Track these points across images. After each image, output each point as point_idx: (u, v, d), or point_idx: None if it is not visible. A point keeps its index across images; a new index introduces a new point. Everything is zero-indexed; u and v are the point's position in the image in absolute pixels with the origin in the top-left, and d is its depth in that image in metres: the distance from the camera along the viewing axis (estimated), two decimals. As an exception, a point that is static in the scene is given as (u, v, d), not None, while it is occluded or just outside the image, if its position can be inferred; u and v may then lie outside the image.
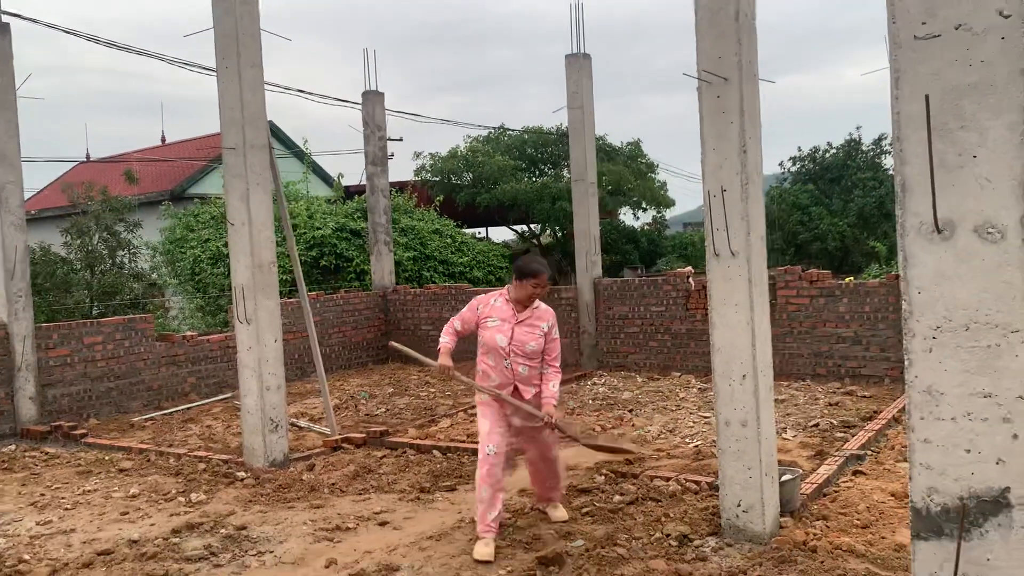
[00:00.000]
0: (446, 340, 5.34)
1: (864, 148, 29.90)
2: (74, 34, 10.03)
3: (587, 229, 11.66)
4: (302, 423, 8.92)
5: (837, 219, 27.47)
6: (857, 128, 39.52)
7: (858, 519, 5.27)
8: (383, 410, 9.57)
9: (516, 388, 5.23)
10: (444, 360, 5.29)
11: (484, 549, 4.89)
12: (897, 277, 9.74)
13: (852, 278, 11.94)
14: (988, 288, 2.14)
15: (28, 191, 11.44)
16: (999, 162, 2.07)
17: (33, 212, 21.00)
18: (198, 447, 8.04)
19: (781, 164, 31.62)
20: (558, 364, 5.37)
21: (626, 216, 28.13)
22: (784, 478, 5.37)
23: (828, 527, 5.15)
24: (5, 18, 9.12)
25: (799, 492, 5.50)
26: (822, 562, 4.57)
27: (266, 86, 7.35)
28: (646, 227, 29.65)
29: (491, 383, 5.24)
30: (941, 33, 2.14)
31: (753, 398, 5.01)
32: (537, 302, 5.31)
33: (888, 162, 28.33)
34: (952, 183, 2.13)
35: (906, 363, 2.30)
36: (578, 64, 11.54)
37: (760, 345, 5.06)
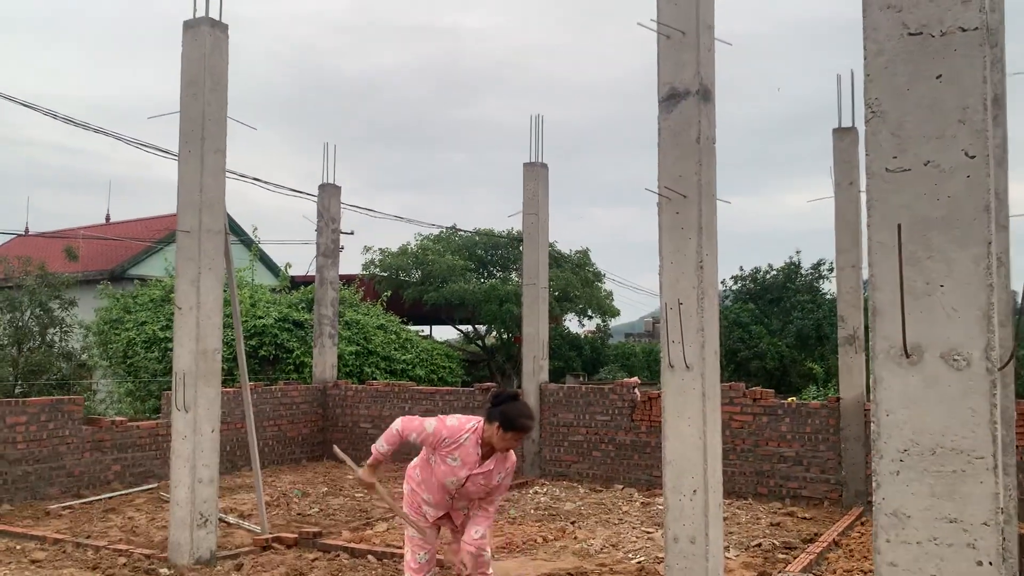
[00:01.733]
0: (384, 449, 4.75)
1: (803, 272, 30.91)
2: (33, 108, 9.95)
3: (536, 333, 11.69)
4: (231, 519, 8.53)
5: (776, 339, 28.08)
6: (797, 252, 40.87)
7: (804, 645, 5.17)
8: (316, 510, 9.23)
9: (448, 515, 4.92)
10: (368, 475, 4.78)
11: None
12: (838, 400, 9.96)
13: (794, 398, 12.13)
14: (954, 414, 2.19)
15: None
16: (965, 293, 2.15)
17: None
18: (119, 539, 7.60)
19: (723, 282, 32.41)
20: (494, 508, 4.89)
21: (571, 323, 28.39)
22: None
23: (774, 653, 5.04)
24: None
25: (745, 614, 5.40)
26: None
27: (231, 175, 7.34)
28: (589, 335, 29.90)
29: (423, 495, 4.86)
30: (911, 168, 2.25)
31: (703, 515, 4.96)
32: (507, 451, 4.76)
33: (826, 287, 29.32)
34: (921, 310, 2.20)
35: (874, 484, 2.30)
36: (535, 173, 11.82)
37: (711, 460, 5.05)
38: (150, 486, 10.29)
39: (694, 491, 4.98)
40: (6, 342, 15.93)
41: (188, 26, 7.09)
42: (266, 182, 14.88)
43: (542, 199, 11.87)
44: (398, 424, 4.79)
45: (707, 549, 4.94)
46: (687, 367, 5.06)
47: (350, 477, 11.31)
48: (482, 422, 4.70)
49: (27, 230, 26.08)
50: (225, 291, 7.28)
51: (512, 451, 4.81)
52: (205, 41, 7.01)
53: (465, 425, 4.71)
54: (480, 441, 4.67)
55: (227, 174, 7.29)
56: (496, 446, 4.66)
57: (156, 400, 14.63)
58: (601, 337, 30.36)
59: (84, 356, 17.59)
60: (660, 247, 5.23)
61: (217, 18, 7.09)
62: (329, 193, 13.51)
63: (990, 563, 2.15)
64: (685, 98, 5.14)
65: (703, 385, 5.04)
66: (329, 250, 13.58)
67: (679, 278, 5.14)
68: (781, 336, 28.17)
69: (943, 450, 2.20)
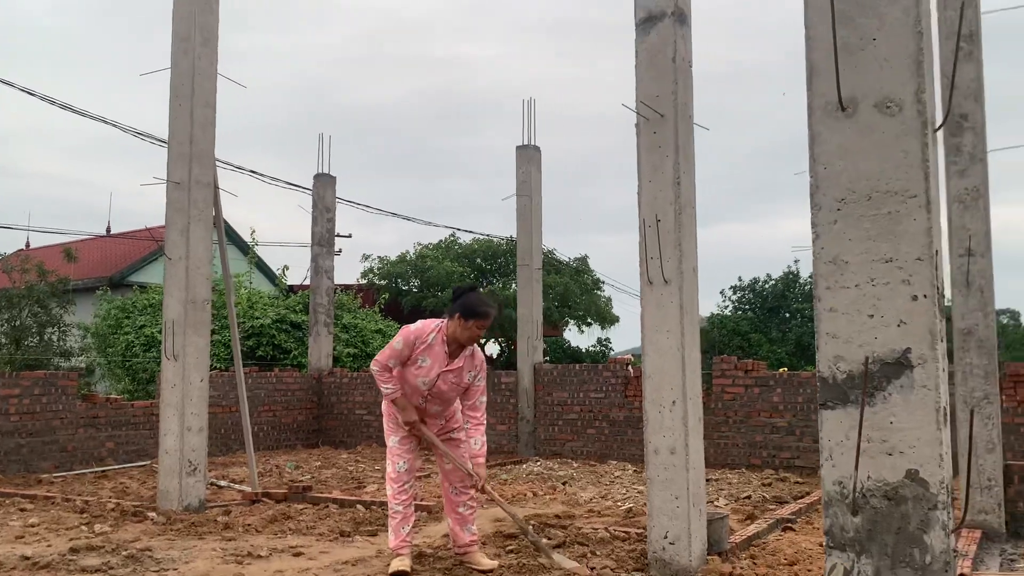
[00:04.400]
0: (391, 390, 4.78)
1: (802, 281, 30.99)
2: (8, 84, 10.08)
3: (530, 314, 11.73)
4: (223, 483, 8.54)
5: (776, 346, 28.10)
6: (796, 261, 41.07)
7: (785, 559, 5.17)
8: (308, 477, 9.23)
9: (423, 420, 4.93)
10: (412, 415, 4.80)
11: (399, 563, 4.67)
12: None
13: (785, 369, 12.12)
14: (888, 158, 2.25)
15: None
16: (896, 43, 2.22)
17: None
18: (109, 498, 7.62)
19: (722, 292, 32.49)
20: (480, 413, 4.94)
21: (571, 334, 28.42)
22: (713, 517, 5.27)
23: (755, 563, 5.04)
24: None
25: (727, 534, 5.40)
26: (748, 587, 4.45)
27: (220, 164, 7.47)
28: (591, 349, 29.90)
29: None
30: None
31: (683, 425, 4.98)
32: (473, 348, 4.91)
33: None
34: (855, 64, 2.27)
35: (812, 237, 2.36)
36: (528, 155, 11.93)
37: (690, 373, 5.08)
38: (143, 463, 10.30)
39: (673, 402, 5.01)
40: (4, 340, 16.00)
41: (180, -17, 7.24)
42: (262, 174, 15.00)
43: (535, 181, 11.97)
44: (375, 367, 4.83)
45: (687, 459, 4.95)
46: (665, 282, 5.11)
47: (344, 456, 11.32)
48: (446, 321, 4.84)
49: (28, 244, 26.28)
50: (221, 290, 7.36)
51: (479, 349, 4.96)
52: (196, -2, 7.16)
53: (429, 325, 4.87)
54: (446, 339, 4.80)
55: (224, 165, 7.41)
56: (461, 339, 4.78)
57: (153, 397, 14.66)
58: (603, 351, 30.35)
59: (82, 358, 17.65)
60: (638, 167, 5.30)
61: (208, -24, 7.24)
62: (324, 183, 13.63)
63: (925, 296, 2.20)
64: (661, 20, 5.24)
65: (681, 299, 5.08)
66: (324, 239, 13.67)
67: (657, 196, 5.20)
68: (781, 344, 28.20)
69: (878, 194, 2.26)
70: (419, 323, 4.93)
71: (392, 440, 4.97)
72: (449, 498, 5.02)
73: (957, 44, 4.55)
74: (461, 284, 5.24)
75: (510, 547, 5.46)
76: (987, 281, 6.29)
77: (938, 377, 2.22)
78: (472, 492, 4.99)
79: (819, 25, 2.30)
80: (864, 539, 2.28)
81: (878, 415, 2.26)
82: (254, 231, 26.84)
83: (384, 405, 5.06)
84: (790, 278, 31.19)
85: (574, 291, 24.27)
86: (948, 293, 6.17)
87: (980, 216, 6.24)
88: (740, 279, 32.30)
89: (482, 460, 4.91)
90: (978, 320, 6.27)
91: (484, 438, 4.96)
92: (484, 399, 5.03)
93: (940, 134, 6.50)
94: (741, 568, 4.85)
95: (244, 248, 22.02)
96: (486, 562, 4.97)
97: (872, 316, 2.27)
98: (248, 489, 7.99)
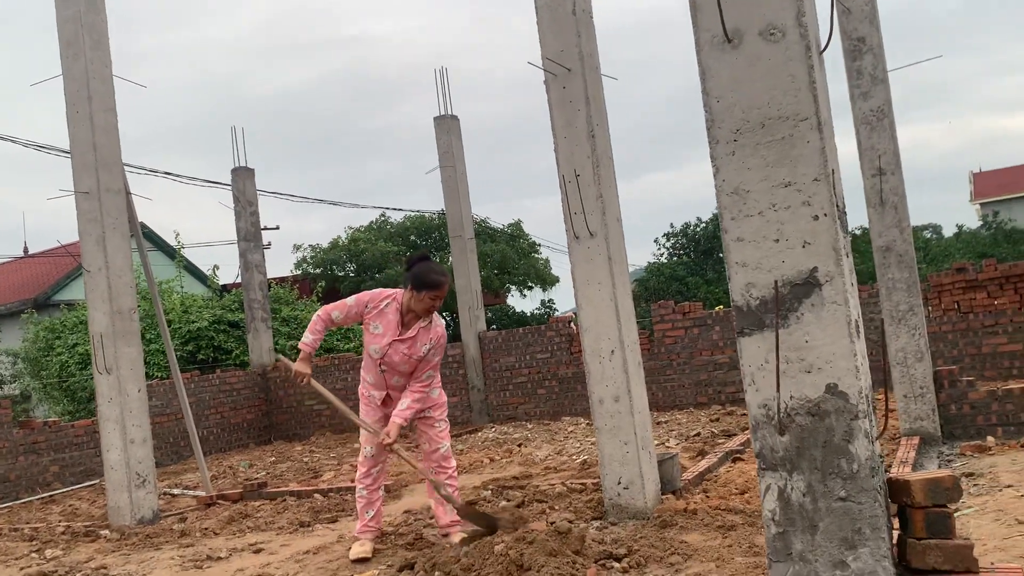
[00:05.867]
0: (310, 340, 4.80)
1: (731, 220, 31.49)
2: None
3: (468, 284, 11.72)
4: (176, 491, 8.41)
5: (713, 287, 28.62)
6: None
7: (737, 488, 5.32)
8: (264, 474, 9.14)
9: (388, 395, 4.90)
10: (302, 366, 4.78)
11: (360, 548, 4.67)
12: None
13: (721, 306, 12.38)
14: (777, 84, 2.30)
15: None
16: (774, -30, 2.26)
17: None
18: (58, 521, 7.43)
19: (656, 240, 32.91)
20: (426, 383, 4.79)
21: (515, 299, 28.51)
22: (663, 457, 5.39)
23: (708, 497, 5.18)
24: None
25: (679, 473, 5.53)
26: (702, 519, 4.58)
27: (135, 170, 7.23)
28: (536, 312, 30.06)
29: (367, 379, 4.94)
30: None
31: (623, 373, 5.06)
32: (432, 317, 4.79)
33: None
34: (736, -4, 2.30)
35: (713, 171, 2.41)
36: (446, 125, 11.85)
37: (625, 321, 5.15)
38: (92, 482, 10.07)
39: (611, 351, 5.08)
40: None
41: (60, -14, 6.95)
42: (177, 175, 14.62)
43: (457, 151, 11.90)
44: (317, 313, 4.84)
45: (631, 405, 5.04)
46: (591, 235, 5.15)
47: (298, 448, 11.23)
48: (401, 290, 4.77)
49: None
50: (149, 298, 7.17)
51: (440, 322, 4.85)
52: (79, 0, 6.88)
53: (384, 292, 4.82)
54: (400, 308, 4.73)
55: (139, 170, 7.18)
56: (416, 310, 4.69)
57: (96, 417, 14.27)
58: (548, 312, 30.53)
59: (15, 384, 17.10)
60: (552, 124, 5.30)
61: (89, -25, 6.96)
62: (243, 176, 13.35)
63: (825, 215, 2.27)
64: (556, -27, 5.22)
65: (608, 250, 5.13)
66: (250, 234, 13.42)
67: (573, 151, 5.22)
68: (718, 284, 28.74)
69: (771, 120, 2.31)
70: (377, 289, 4.90)
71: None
72: (429, 480, 4.92)
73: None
74: (412, 254, 5.11)
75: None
76: (900, 198, 6.48)
77: (846, 292, 2.29)
78: (451, 472, 4.91)
79: (696, -42, 2.33)
80: (794, 457, 2.36)
81: (793, 335, 2.33)
82: (178, 234, 26.19)
83: (360, 388, 5.00)
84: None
85: (511, 257, 24.33)
86: (864, 212, 6.35)
87: (887, 135, 6.42)
88: (672, 226, 32.78)
89: (400, 420, 4.65)
90: (895, 236, 6.47)
91: (416, 404, 4.74)
92: (434, 375, 4.86)
93: (840, 59, 6.62)
94: (695, 503, 4.97)
95: (171, 252, 21.48)
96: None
97: (777, 241, 2.33)
98: (202, 493, 7.88)
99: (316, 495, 7.07)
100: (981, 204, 43.51)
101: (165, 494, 8.17)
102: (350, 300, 4.83)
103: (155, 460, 7.14)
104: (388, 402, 4.91)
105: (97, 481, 9.97)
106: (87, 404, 15.59)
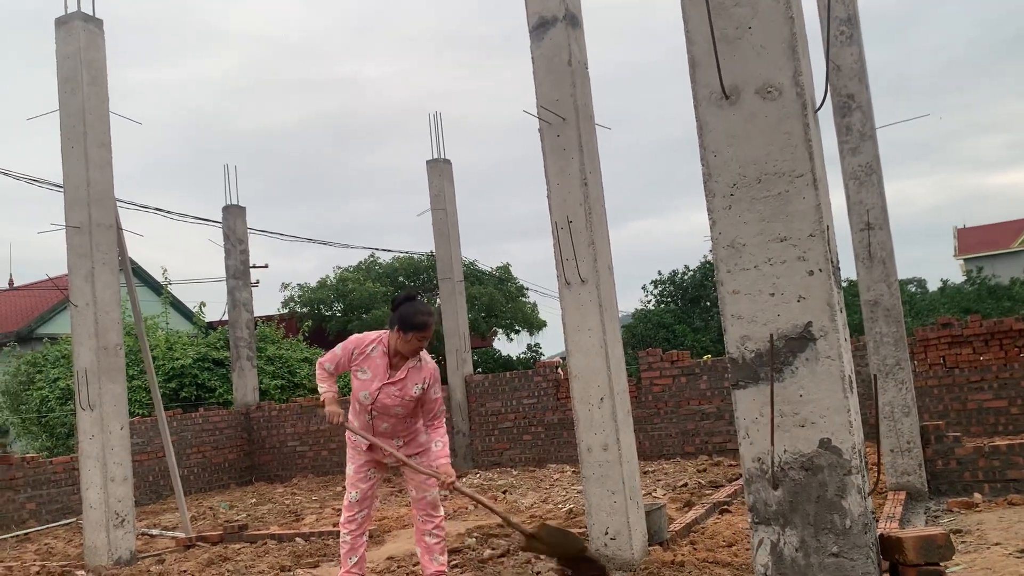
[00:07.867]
0: (324, 388, 4.77)
1: (719, 269, 31.66)
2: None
3: (456, 327, 11.71)
4: (155, 531, 8.26)
5: (700, 335, 28.66)
6: (710, 250, 42.04)
7: (724, 541, 5.28)
8: (244, 516, 9.01)
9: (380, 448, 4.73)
10: (333, 408, 4.73)
11: (344, 593, 4.57)
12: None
13: (709, 356, 12.39)
14: (773, 141, 2.33)
15: None
16: (770, 29, 2.30)
17: None
18: (33, 560, 7.28)
19: (644, 288, 32.99)
20: (440, 422, 4.77)
21: (501, 343, 28.44)
22: (651, 508, 5.35)
23: (696, 549, 5.13)
24: None
25: (666, 524, 5.48)
26: (689, 572, 4.53)
27: (125, 205, 7.24)
28: (522, 356, 29.98)
29: (354, 424, 4.82)
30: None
31: (612, 421, 5.05)
32: (421, 355, 4.70)
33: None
34: (734, 53, 2.34)
35: (709, 223, 2.43)
36: (439, 168, 11.93)
37: (615, 369, 5.15)
38: (68, 520, 9.88)
39: (601, 399, 5.07)
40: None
41: (60, 22, 7.03)
42: (168, 211, 14.62)
43: (448, 194, 11.97)
44: (317, 367, 4.82)
45: (620, 454, 5.02)
46: (582, 281, 5.18)
47: (279, 490, 11.07)
48: (388, 332, 4.68)
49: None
50: (135, 334, 7.13)
51: (429, 359, 4.76)
52: (79, 36, 6.95)
53: (369, 336, 4.72)
54: (387, 351, 4.63)
55: (130, 206, 7.20)
56: (403, 352, 4.60)
57: (75, 453, 14.05)
58: (534, 357, 30.45)
59: (-7, 419, 16.85)
60: (545, 171, 5.36)
61: (91, 13, 7.04)
62: (234, 214, 13.36)
63: (820, 270, 2.29)
64: (554, 24, 5.32)
65: (599, 297, 5.15)
66: (239, 272, 13.39)
67: (566, 197, 5.27)
68: (704, 332, 28.78)
69: (767, 176, 2.34)
70: (362, 334, 4.82)
71: (350, 468, 4.84)
72: (417, 526, 4.86)
73: (828, 24, 4.74)
74: (399, 294, 5.01)
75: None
76: (888, 252, 6.55)
77: (840, 347, 2.30)
78: (438, 521, 4.84)
79: (696, 18, 2.38)
80: (787, 511, 2.35)
81: (788, 389, 2.34)
82: (166, 270, 26.11)
83: (346, 433, 4.91)
84: (707, 267, 31.81)
85: (499, 300, 24.34)
86: (852, 267, 6.41)
87: (875, 190, 6.51)
88: (660, 273, 32.83)
89: (445, 460, 4.69)
90: (883, 291, 6.53)
91: (445, 439, 4.75)
92: (443, 409, 4.87)
93: (830, 116, 6.74)
94: (682, 555, 4.93)
95: (157, 289, 21.40)
96: None
97: (773, 294, 2.35)
98: (181, 535, 7.75)
99: (298, 539, 6.96)
100: (965, 259, 44.00)
101: (143, 534, 8.03)
102: (338, 350, 4.76)
103: (134, 499, 7.04)
104: (373, 448, 4.85)
105: (74, 520, 9.79)
106: (66, 440, 15.36)
